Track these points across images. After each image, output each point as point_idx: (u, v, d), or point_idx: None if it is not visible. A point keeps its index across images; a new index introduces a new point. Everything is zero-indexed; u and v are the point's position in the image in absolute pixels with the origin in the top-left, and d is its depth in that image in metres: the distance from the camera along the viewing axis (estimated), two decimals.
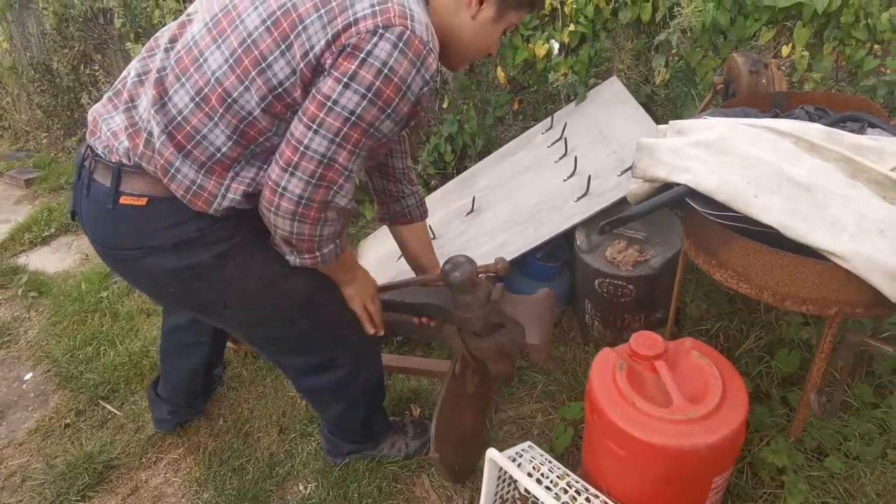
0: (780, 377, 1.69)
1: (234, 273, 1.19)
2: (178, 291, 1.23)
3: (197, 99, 1.04)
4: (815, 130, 1.35)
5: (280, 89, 1.01)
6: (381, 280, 1.53)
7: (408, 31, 0.97)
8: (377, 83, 0.98)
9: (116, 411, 2.04)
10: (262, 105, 1.02)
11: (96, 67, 3.25)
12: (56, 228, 3.15)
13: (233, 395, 2.05)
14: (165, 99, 1.06)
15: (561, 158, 2.12)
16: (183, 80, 1.05)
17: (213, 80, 1.03)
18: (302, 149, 1.01)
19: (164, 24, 2.82)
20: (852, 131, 1.41)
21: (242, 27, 1.01)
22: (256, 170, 1.10)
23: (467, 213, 2.28)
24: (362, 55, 0.96)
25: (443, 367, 1.78)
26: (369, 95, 0.99)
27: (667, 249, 1.76)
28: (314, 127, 1.00)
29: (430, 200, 2.57)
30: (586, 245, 1.81)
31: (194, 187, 1.09)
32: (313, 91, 1.00)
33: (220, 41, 1.03)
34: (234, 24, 1.03)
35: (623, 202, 1.71)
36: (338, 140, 1.01)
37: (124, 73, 1.20)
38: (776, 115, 1.53)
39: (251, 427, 1.90)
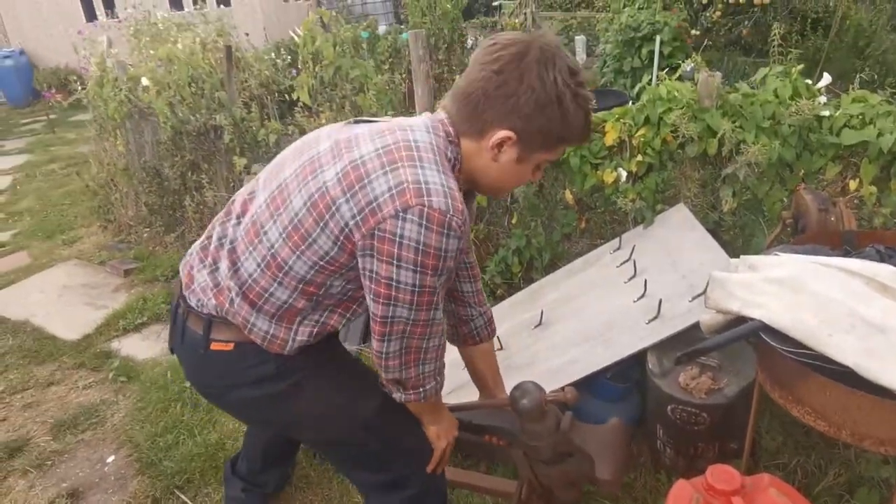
0: None
1: (309, 397, 1.34)
2: (260, 417, 1.44)
3: (262, 266, 1.20)
4: (886, 272, 1.39)
5: (327, 258, 1.15)
6: (448, 385, 1.58)
7: (426, 209, 1.05)
8: (420, 258, 1.08)
9: (190, 502, 2.12)
10: (314, 270, 1.17)
11: (202, 175, 3.63)
12: (148, 317, 3.39)
13: (299, 495, 2.10)
14: (238, 265, 1.24)
15: (630, 279, 2.19)
16: (250, 249, 1.22)
17: (272, 250, 1.18)
18: (389, 320, 1.16)
19: (267, 142, 3.19)
20: None
21: (291, 207, 1.16)
22: (320, 313, 1.26)
23: (535, 326, 2.35)
24: (397, 239, 1.07)
25: (507, 487, 1.77)
26: (419, 270, 1.09)
27: (741, 378, 1.76)
28: (391, 303, 1.14)
29: (497, 310, 2.66)
30: (658, 369, 1.84)
31: (269, 336, 1.25)
32: (374, 276, 1.12)
33: (275, 217, 1.18)
34: (285, 202, 1.17)
35: (694, 328, 1.75)
36: (413, 307, 1.15)
37: (209, 229, 1.39)
38: (847, 254, 1.58)
39: None
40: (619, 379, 2.06)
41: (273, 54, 4.94)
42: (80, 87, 5.13)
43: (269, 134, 3.08)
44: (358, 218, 1.08)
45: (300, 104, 3.14)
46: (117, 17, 6.81)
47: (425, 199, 1.05)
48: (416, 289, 1.11)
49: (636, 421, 2.09)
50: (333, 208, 1.10)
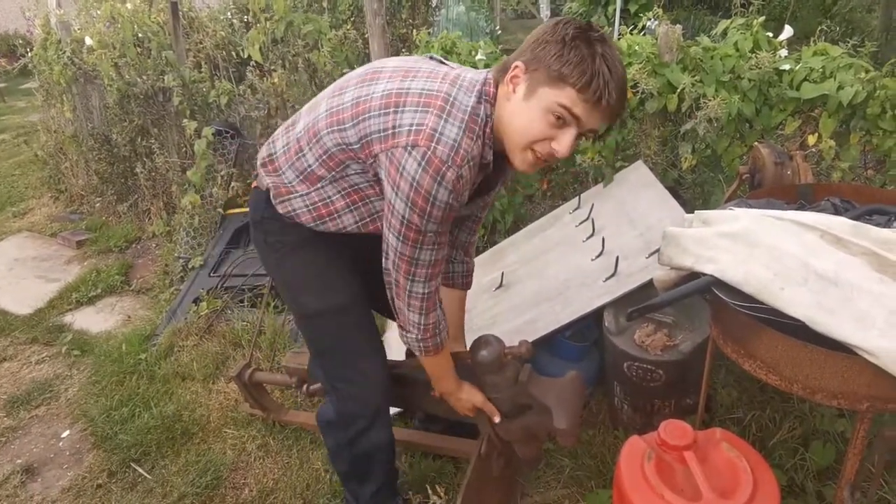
0: (815, 470, 1.64)
1: (281, 265, 1.51)
2: (262, 262, 1.63)
3: (304, 130, 1.37)
4: (841, 224, 1.37)
5: (348, 147, 1.29)
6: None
7: (429, 153, 1.17)
8: (411, 194, 1.20)
9: (147, 474, 2.07)
10: (337, 147, 1.31)
11: (152, 140, 3.47)
12: (102, 289, 3.28)
13: (258, 464, 2.07)
14: (290, 131, 1.44)
15: (589, 238, 2.17)
16: (304, 119, 1.40)
17: (315, 120, 1.35)
18: (385, 241, 1.32)
19: (218, 104, 3.06)
20: (879, 225, 1.43)
21: (342, 97, 1.32)
22: (335, 190, 1.37)
23: (496, 288, 2.32)
24: (399, 168, 1.20)
25: (468, 447, 1.77)
26: (408, 203, 1.22)
27: (696, 334, 1.76)
28: (387, 224, 1.30)
29: None
30: (615, 327, 1.83)
31: (290, 186, 1.41)
32: (384, 191, 1.28)
33: (329, 100, 1.35)
34: (341, 93, 1.34)
35: (651, 285, 1.74)
36: (400, 237, 1.27)
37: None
38: (802, 207, 1.57)
39: (275, 499, 1.91)
40: (578, 338, 2.05)
41: (229, 13, 4.72)
42: (27, 52, 4.86)
43: (220, 95, 2.94)
44: (381, 134, 1.22)
45: (252, 63, 3.00)
46: None
47: (433, 144, 1.17)
48: (404, 220, 1.24)
49: (596, 381, 2.10)
50: (367, 115, 1.24)
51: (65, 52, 3.94)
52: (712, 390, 1.84)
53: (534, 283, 2.18)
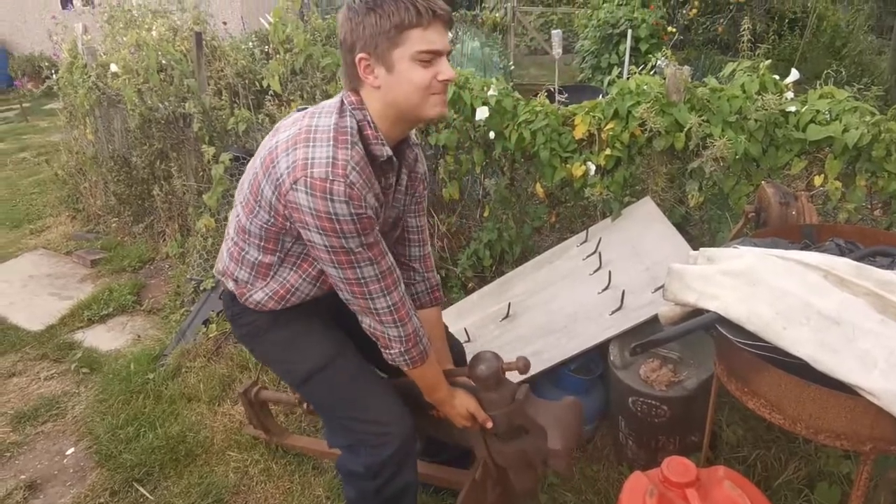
0: None
1: (266, 346, 1.59)
2: (251, 350, 1.72)
3: (236, 230, 1.47)
4: (844, 265, 1.39)
5: (268, 223, 1.37)
6: None
7: (308, 179, 1.23)
8: (317, 222, 1.25)
9: (149, 495, 2.08)
10: (264, 230, 1.38)
11: (171, 164, 3.56)
12: (114, 308, 3.33)
13: (260, 489, 2.07)
14: (227, 233, 1.56)
15: (595, 271, 2.19)
16: (232, 220, 1.52)
17: (238, 218, 1.46)
18: (330, 274, 1.37)
19: (237, 131, 3.14)
20: (882, 266, 1.44)
21: (243, 186, 1.43)
22: (287, 269, 1.44)
23: (502, 318, 2.34)
24: (297, 207, 1.26)
25: (459, 477, 1.74)
26: (321, 232, 1.27)
27: (701, 371, 1.76)
28: (322, 261, 1.35)
29: (467, 303, 2.65)
30: (620, 361, 1.83)
31: (247, 285, 1.50)
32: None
33: (240, 194, 1.45)
34: (240, 186, 1.47)
35: (657, 320, 1.75)
36: (336, 266, 1.32)
37: None
38: (807, 247, 1.59)
39: None
40: (583, 371, 2.06)
41: (251, 44, 4.86)
42: (52, 74, 5.01)
43: (239, 123, 3.02)
44: (275, 194, 1.29)
45: (271, 92, 3.08)
46: (93, 4, 6.66)
47: (308, 170, 1.23)
48: (328, 249, 1.28)
49: (601, 415, 2.09)
50: (261, 187, 1.33)
51: (90, 77, 4.07)
52: (717, 428, 1.83)
53: (540, 315, 2.19)
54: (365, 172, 1.27)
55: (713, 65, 5.17)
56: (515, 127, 2.50)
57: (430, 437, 1.79)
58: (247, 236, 1.43)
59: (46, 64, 9.49)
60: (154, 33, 4.08)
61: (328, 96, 3.02)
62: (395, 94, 1.28)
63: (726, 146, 2.05)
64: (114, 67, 3.76)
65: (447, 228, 2.97)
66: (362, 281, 1.33)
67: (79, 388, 2.74)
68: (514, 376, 1.51)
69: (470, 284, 2.85)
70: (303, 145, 1.27)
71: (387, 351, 1.42)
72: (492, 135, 2.57)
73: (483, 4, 8.90)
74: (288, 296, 1.47)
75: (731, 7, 5.54)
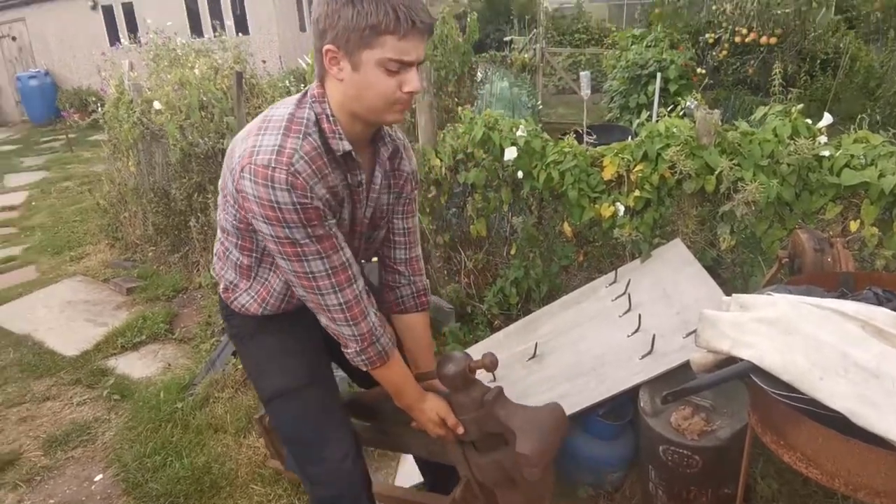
0: None
1: (243, 355, 1.59)
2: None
3: (219, 231, 1.48)
4: (883, 315, 1.36)
5: (237, 217, 1.35)
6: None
7: (251, 165, 1.21)
8: (260, 210, 1.23)
9: None
10: (237, 228, 1.37)
11: (208, 196, 3.68)
12: (147, 336, 3.40)
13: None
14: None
15: (625, 314, 2.17)
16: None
17: (218, 218, 1.46)
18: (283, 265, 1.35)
19: None
20: None
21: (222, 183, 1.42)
22: (265, 270, 1.43)
23: (529, 359, 2.32)
24: (246, 195, 1.24)
25: (439, 502, 1.62)
26: (265, 221, 1.24)
27: (735, 421, 1.72)
28: (274, 252, 1.32)
29: (492, 341, 2.64)
30: (650, 408, 1.80)
31: (231, 285, 1.50)
32: None
33: (217, 204, 1.47)
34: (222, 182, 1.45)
35: (688, 366, 1.72)
36: (283, 257, 1.29)
37: None
38: (843, 295, 1.55)
39: None
40: (612, 417, 2.02)
41: (287, 82, 5.03)
42: (98, 108, 5.25)
43: None
44: (232, 184, 1.28)
45: None
46: (139, 42, 6.99)
47: (253, 157, 1.22)
48: (274, 238, 1.26)
49: (630, 461, 2.04)
50: (226, 181, 1.33)
51: (135, 112, 4.25)
52: (751, 480, 1.77)
53: (568, 356, 2.17)
54: (316, 163, 1.24)
55: (743, 105, 5.17)
56: (544, 167, 2.53)
57: (435, 468, 1.71)
58: (226, 235, 1.42)
59: (93, 98, 9.97)
60: (196, 71, 4.26)
61: None
62: (356, 93, 1.25)
63: (758, 190, 2.04)
64: (157, 105, 3.93)
65: (474, 265, 2.98)
66: (310, 275, 1.29)
67: (109, 414, 2.79)
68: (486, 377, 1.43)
69: (496, 322, 2.85)
70: (254, 133, 1.26)
71: (345, 350, 1.39)
72: (520, 174, 2.60)
73: (512, 46, 9.09)
74: (269, 298, 1.45)
75: (761, 49, 5.54)
